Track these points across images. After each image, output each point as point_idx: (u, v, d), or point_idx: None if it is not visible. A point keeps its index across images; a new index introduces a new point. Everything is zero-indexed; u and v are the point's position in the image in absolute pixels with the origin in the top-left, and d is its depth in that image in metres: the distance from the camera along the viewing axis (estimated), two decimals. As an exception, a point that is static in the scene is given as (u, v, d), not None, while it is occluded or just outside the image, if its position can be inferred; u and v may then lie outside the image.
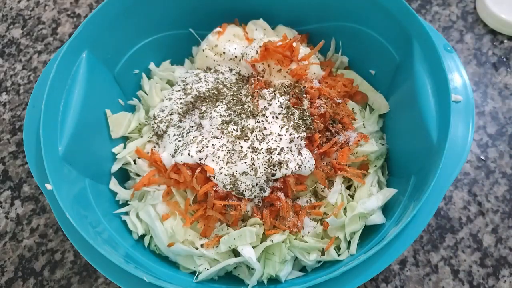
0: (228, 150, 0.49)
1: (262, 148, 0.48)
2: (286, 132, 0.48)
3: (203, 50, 0.57)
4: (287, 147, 0.48)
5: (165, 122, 0.54)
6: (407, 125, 0.50)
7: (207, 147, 0.49)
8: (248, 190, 0.47)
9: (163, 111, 0.55)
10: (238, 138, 0.49)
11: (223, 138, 0.49)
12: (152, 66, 0.60)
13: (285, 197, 0.48)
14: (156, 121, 0.54)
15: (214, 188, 0.47)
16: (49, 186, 0.42)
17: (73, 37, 0.48)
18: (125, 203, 0.53)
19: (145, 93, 0.59)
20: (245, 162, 0.47)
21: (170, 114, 0.54)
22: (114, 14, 0.52)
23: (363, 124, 0.54)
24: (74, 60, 0.49)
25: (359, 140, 0.51)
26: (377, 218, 0.47)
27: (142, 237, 0.50)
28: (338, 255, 0.46)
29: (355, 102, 0.56)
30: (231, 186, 0.47)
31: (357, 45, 0.56)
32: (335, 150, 0.51)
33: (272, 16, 0.58)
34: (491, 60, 0.66)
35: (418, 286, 0.53)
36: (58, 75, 0.46)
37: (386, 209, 0.49)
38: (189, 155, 0.49)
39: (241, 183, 0.47)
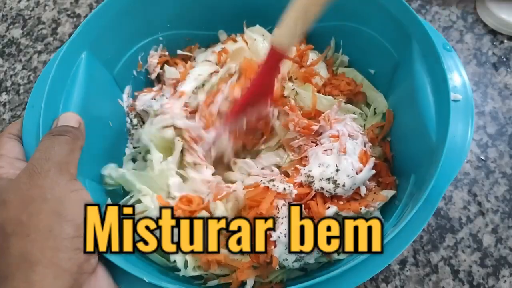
0: None
1: None
2: None
3: None
4: None
5: None
6: (406, 124, 0.50)
7: None
8: None
9: None
10: None
11: None
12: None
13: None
14: None
15: None
16: (49, 187, 0.42)
17: (72, 37, 0.48)
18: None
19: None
20: None
21: None
22: (114, 15, 0.52)
23: (364, 125, 0.54)
24: (74, 60, 0.49)
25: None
26: None
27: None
28: (338, 255, 0.46)
29: (357, 101, 0.56)
30: None
31: (356, 45, 0.56)
32: None
33: (270, 16, 0.58)
34: (491, 60, 0.66)
35: (418, 286, 0.53)
36: (58, 76, 0.46)
37: (386, 208, 0.49)
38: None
39: None
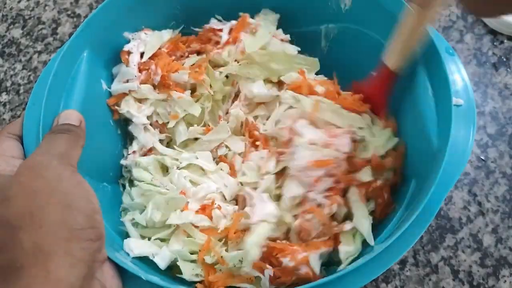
0: None
1: None
2: None
3: None
4: None
5: None
6: (407, 128, 0.50)
7: None
8: None
9: None
10: None
11: None
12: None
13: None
14: None
15: None
16: (48, 186, 0.42)
17: (74, 36, 0.48)
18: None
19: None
20: None
21: None
22: (116, 13, 0.51)
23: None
24: (75, 59, 0.49)
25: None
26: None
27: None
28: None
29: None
30: None
31: (358, 47, 0.56)
32: None
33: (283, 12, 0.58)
34: (491, 60, 0.66)
35: (418, 286, 0.53)
36: (59, 74, 0.46)
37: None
38: None
39: None
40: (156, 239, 0.48)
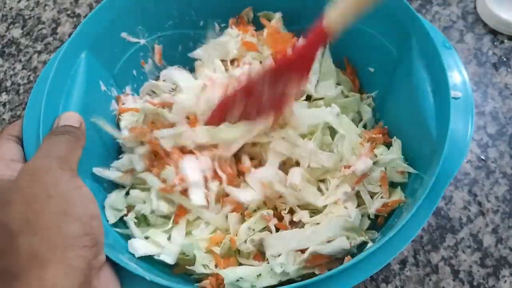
0: None
1: None
2: None
3: None
4: None
5: None
6: (406, 122, 0.50)
7: None
8: None
9: None
10: None
11: None
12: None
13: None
14: None
15: None
16: (48, 186, 0.42)
17: (72, 37, 0.48)
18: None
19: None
20: None
21: None
22: (113, 14, 0.52)
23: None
24: (74, 60, 0.49)
25: None
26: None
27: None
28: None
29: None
30: None
31: (356, 43, 0.56)
32: None
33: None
34: (491, 60, 0.66)
35: (418, 286, 0.53)
36: (58, 76, 0.46)
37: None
38: None
39: None
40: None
